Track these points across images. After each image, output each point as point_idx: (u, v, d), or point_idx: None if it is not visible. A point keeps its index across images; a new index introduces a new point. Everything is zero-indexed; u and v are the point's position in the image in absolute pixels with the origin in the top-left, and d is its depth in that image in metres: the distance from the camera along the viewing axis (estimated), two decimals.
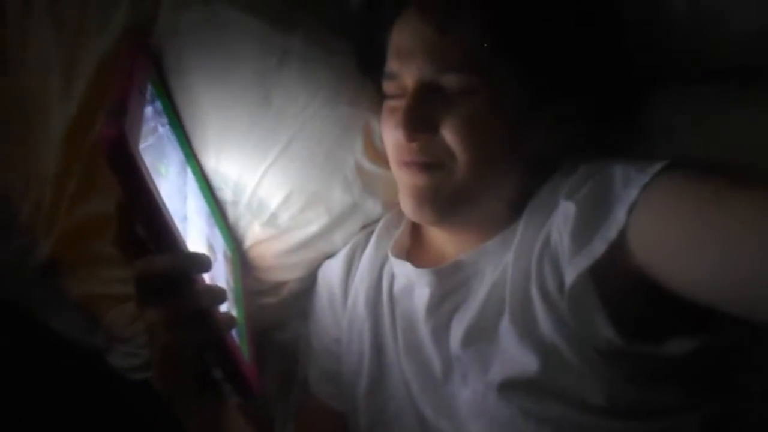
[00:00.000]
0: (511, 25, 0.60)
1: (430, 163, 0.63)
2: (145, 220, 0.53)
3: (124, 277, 0.74)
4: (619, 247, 0.53)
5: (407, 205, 0.66)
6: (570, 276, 0.55)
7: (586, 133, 0.65)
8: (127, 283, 0.73)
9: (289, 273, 0.80)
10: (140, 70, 0.62)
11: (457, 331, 0.64)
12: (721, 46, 0.67)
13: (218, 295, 0.58)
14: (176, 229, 0.55)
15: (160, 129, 0.66)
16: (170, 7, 0.68)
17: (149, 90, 0.63)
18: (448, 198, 0.63)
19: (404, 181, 0.65)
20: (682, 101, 0.69)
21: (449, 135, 0.61)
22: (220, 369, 0.60)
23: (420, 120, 0.61)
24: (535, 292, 0.58)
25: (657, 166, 0.53)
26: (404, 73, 0.63)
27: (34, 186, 0.75)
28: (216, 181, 0.74)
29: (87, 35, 0.69)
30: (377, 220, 0.77)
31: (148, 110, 0.60)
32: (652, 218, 0.52)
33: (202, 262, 0.56)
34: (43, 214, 0.75)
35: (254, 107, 0.70)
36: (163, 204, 0.53)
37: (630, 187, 0.54)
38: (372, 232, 0.77)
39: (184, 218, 0.63)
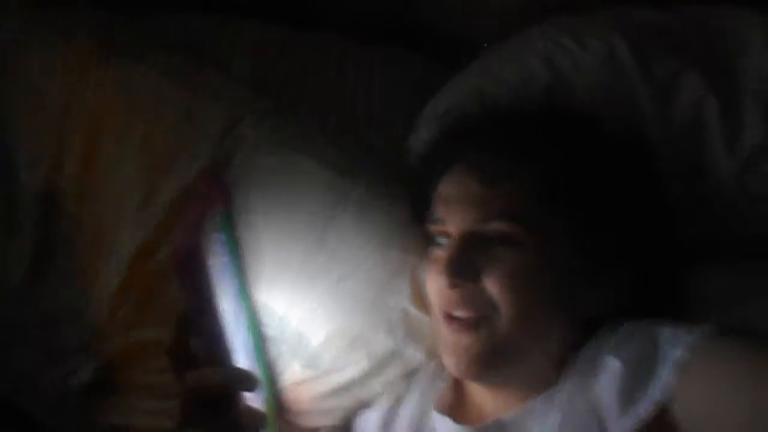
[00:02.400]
0: (554, 183, 0.63)
1: (474, 319, 0.63)
2: (205, 332, 0.55)
3: (160, 410, 0.75)
4: (665, 410, 0.52)
5: (449, 362, 0.65)
6: None
7: (631, 295, 0.65)
8: (161, 417, 0.74)
9: (323, 419, 0.77)
10: (214, 199, 0.68)
11: None
12: (763, 226, 0.70)
13: (260, 418, 0.57)
14: (231, 346, 0.56)
15: (222, 259, 0.70)
16: (249, 150, 0.76)
17: (218, 219, 0.68)
18: (491, 354, 0.63)
19: (447, 338, 0.65)
20: (731, 276, 0.71)
21: (491, 285, 0.62)
22: None
23: (462, 267, 0.63)
24: None
25: (705, 328, 0.54)
26: (449, 221, 0.66)
27: (92, 308, 0.78)
28: (262, 316, 0.76)
29: (172, 169, 0.76)
30: (417, 370, 0.76)
31: (216, 238, 0.65)
32: (699, 381, 0.52)
33: (251, 380, 0.57)
34: (95, 336, 0.77)
35: (310, 246, 0.73)
36: (223, 321, 0.55)
37: (677, 347, 0.54)
38: (412, 384, 0.75)
39: (233, 348, 0.64)
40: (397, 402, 0.75)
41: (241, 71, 0.86)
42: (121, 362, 0.76)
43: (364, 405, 0.77)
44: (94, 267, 0.77)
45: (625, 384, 0.55)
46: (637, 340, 0.58)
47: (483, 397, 0.69)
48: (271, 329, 0.75)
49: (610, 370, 0.57)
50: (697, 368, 0.52)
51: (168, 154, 0.77)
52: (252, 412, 0.57)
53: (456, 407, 0.71)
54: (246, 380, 0.56)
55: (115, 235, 0.77)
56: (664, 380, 0.53)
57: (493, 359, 0.63)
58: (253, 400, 0.65)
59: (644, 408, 0.53)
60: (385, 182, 0.77)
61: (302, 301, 0.74)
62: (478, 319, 0.63)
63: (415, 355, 0.75)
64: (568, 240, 0.63)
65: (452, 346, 0.64)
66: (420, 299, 0.73)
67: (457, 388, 0.73)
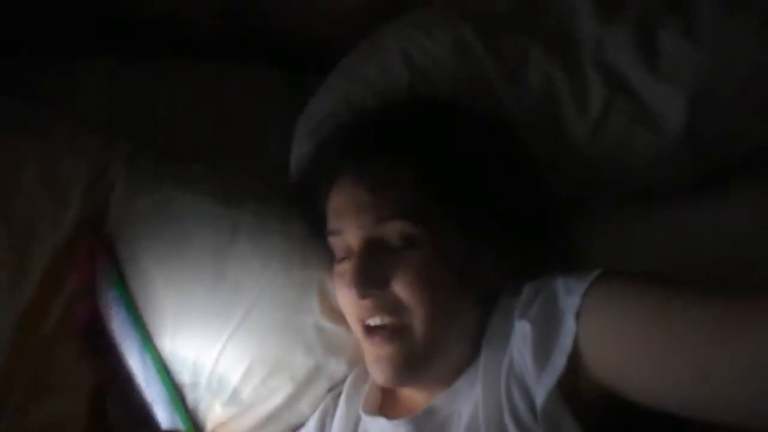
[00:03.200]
0: (435, 175, 0.65)
1: (391, 327, 0.64)
2: (124, 400, 0.51)
3: None
4: (576, 357, 0.55)
5: (376, 374, 0.66)
6: (540, 396, 0.56)
7: (527, 257, 0.69)
8: None
9: None
10: (98, 258, 0.63)
11: None
12: (625, 175, 0.77)
13: None
14: (150, 406, 0.53)
15: (118, 316, 0.66)
16: (122, 196, 0.72)
17: (108, 277, 0.64)
18: (416, 360, 0.65)
19: (369, 351, 0.66)
20: (607, 223, 0.78)
21: (400, 288, 0.64)
22: None
23: (370, 276, 0.64)
24: (509, 420, 0.58)
25: (594, 273, 0.57)
26: (346, 231, 0.67)
27: None
28: (173, 364, 0.72)
29: (39, 229, 0.70)
30: (343, 381, 0.76)
31: (109, 296, 0.61)
32: (597, 324, 0.55)
33: None
34: None
35: (209, 283, 0.71)
36: (138, 381, 0.52)
37: (573, 295, 0.56)
38: (339, 394, 0.75)
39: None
40: (328, 416, 0.75)
41: (95, 114, 0.82)
42: None
43: (296, 428, 0.76)
44: None
45: (537, 343, 0.57)
46: (539, 299, 0.60)
47: (410, 390, 0.71)
48: (186, 376, 0.73)
49: (521, 332, 0.60)
50: (593, 312, 0.55)
51: (29, 220, 0.71)
52: None
53: (385, 405, 0.72)
54: None
55: None
56: (570, 330, 0.54)
57: (418, 363, 0.65)
58: None
59: (559, 362, 0.55)
60: (274, 203, 0.76)
61: (213, 341, 0.72)
62: (394, 326, 0.64)
63: (338, 367, 0.75)
64: (456, 226, 0.66)
65: (376, 359, 0.66)
66: (332, 312, 0.74)
67: (384, 387, 0.74)
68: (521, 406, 0.58)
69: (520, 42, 0.77)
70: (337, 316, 0.73)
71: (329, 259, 0.72)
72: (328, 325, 0.73)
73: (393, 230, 0.64)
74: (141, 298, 0.71)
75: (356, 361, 0.75)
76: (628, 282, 0.56)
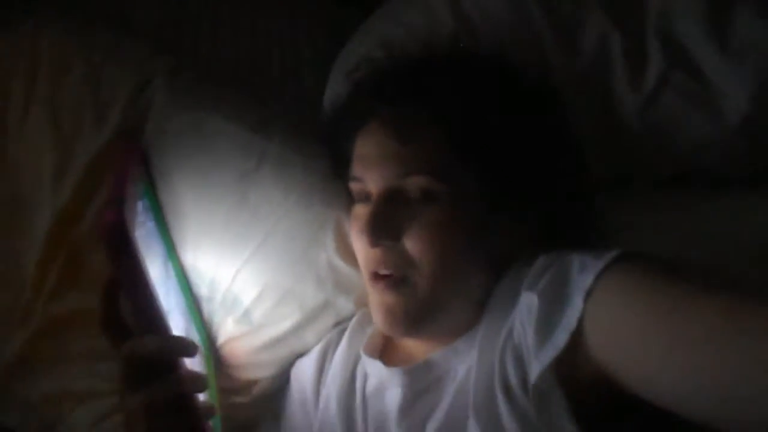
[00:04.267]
0: (467, 135, 0.64)
1: (396, 278, 0.64)
2: (137, 302, 0.54)
3: (94, 373, 0.75)
4: (579, 336, 0.53)
5: (378, 320, 0.67)
6: (535, 371, 0.55)
7: (548, 229, 0.67)
8: (96, 377, 0.75)
9: (260, 371, 0.80)
10: (132, 166, 0.67)
11: None
12: (671, 157, 0.73)
13: (201, 381, 0.58)
14: (165, 314, 0.57)
15: (147, 224, 0.70)
16: (160, 111, 0.74)
17: (139, 186, 0.67)
18: (416, 314, 0.65)
19: (374, 296, 0.67)
20: (640, 207, 0.74)
21: (411, 243, 0.63)
22: None
23: (383, 227, 0.64)
24: (498, 386, 0.58)
25: (612, 254, 0.54)
26: (368, 179, 0.66)
27: (14, 281, 0.77)
28: (193, 277, 0.76)
29: (82, 134, 0.74)
30: (349, 318, 0.78)
31: (138, 205, 0.64)
32: (606, 307, 0.53)
33: (189, 346, 0.57)
34: (20, 309, 0.76)
35: (231, 205, 0.74)
36: (154, 289, 0.56)
37: (586, 273, 0.54)
38: (344, 330, 0.77)
39: (166, 312, 0.65)
40: (330, 349, 0.77)
41: (143, 26, 0.83)
42: (52, 332, 0.75)
43: (299, 355, 0.79)
44: (12, 239, 0.76)
45: (541, 316, 0.56)
46: (550, 272, 0.59)
47: (411, 341, 0.72)
48: (203, 289, 0.76)
49: (527, 303, 0.58)
50: (604, 295, 0.53)
51: (76, 118, 0.74)
52: (192, 376, 0.57)
53: (385, 351, 0.74)
54: (184, 347, 0.57)
55: (32, 206, 0.75)
56: (576, 308, 0.53)
57: (418, 317, 0.65)
58: (193, 362, 0.66)
59: (561, 338, 0.53)
60: (302, 137, 0.77)
61: (231, 261, 0.75)
62: (400, 278, 0.65)
63: (345, 305, 0.77)
64: (482, 188, 0.65)
65: (379, 305, 0.66)
66: (345, 252, 0.75)
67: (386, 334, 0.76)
68: (513, 377, 0.57)
69: (579, 3, 0.73)
70: (350, 256, 0.74)
71: (349, 200, 0.72)
72: (340, 263, 0.75)
73: (415, 184, 0.64)
74: (168, 210, 0.74)
75: (364, 302, 0.76)
76: (645, 269, 0.53)
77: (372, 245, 0.64)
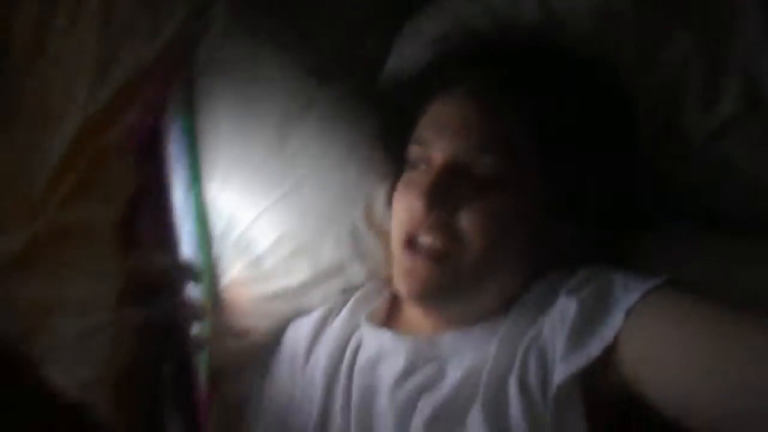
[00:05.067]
0: (554, 130, 0.62)
1: (438, 252, 0.62)
2: (155, 215, 0.54)
3: (93, 285, 0.73)
4: (612, 351, 0.53)
5: (402, 284, 0.65)
6: (560, 374, 0.54)
7: (592, 247, 0.66)
8: (92, 290, 0.73)
9: (258, 321, 0.77)
10: (175, 86, 0.65)
11: (424, 410, 0.62)
12: (734, 196, 0.71)
13: (197, 312, 0.57)
14: (179, 236, 0.56)
15: (178, 146, 0.68)
16: (214, 39, 0.72)
17: (178, 107, 0.65)
18: (448, 288, 0.63)
19: (404, 263, 0.65)
20: (685, 241, 0.71)
21: (467, 221, 0.61)
22: (175, 395, 0.58)
23: (443, 195, 0.62)
24: (513, 382, 0.58)
25: (658, 279, 0.55)
26: (436, 145, 0.64)
27: (28, 177, 0.74)
28: (211, 210, 0.74)
29: (130, 41, 0.71)
30: (357, 288, 0.76)
31: (174, 121, 0.63)
32: (646, 327, 0.53)
33: (195, 274, 0.57)
34: (30, 206, 0.74)
35: (268, 147, 0.72)
36: (174, 209, 0.55)
37: (630, 292, 0.55)
38: (348, 300, 0.75)
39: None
40: (331, 313, 0.75)
41: None
42: (54, 238, 0.73)
43: (301, 313, 0.77)
44: (36, 138, 0.73)
45: (578, 323, 0.56)
46: (593, 284, 0.58)
47: (418, 318, 0.70)
48: (218, 226, 0.74)
49: (564, 308, 0.58)
50: (648, 315, 0.53)
51: (126, 30, 0.72)
52: (190, 304, 0.57)
53: (388, 323, 0.72)
54: (190, 273, 0.56)
55: (62, 108, 0.72)
56: (616, 323, 0.53)
57: (449, 292, 0.63)
58: (193, 292, 0.65)
59: (595, 347, 0.53)
60: (354, 96, 0.75)
61: (254, 202, 0.73)
62: (442, 252, 0.63)
63: (358, 273, 0.75)
64: (547, 183, 0.63)
65: (408, 272, 0.64)
66: (372, 219, 0.73)
67: (394, 306, 0.74)
68: (534, 377, 0.57)
69: (670, 19, 0.70)
70: (374, 225, 0.73)
71: (388, 169, 0.71)
72: (363, 229, 0.73)
73: (485, 162, 0.62)
74: (203, 138, 0.72)
75: (375, 275, 0.75)
76: (688, 294, 0.54)
77: (428, 209, 0.62)
